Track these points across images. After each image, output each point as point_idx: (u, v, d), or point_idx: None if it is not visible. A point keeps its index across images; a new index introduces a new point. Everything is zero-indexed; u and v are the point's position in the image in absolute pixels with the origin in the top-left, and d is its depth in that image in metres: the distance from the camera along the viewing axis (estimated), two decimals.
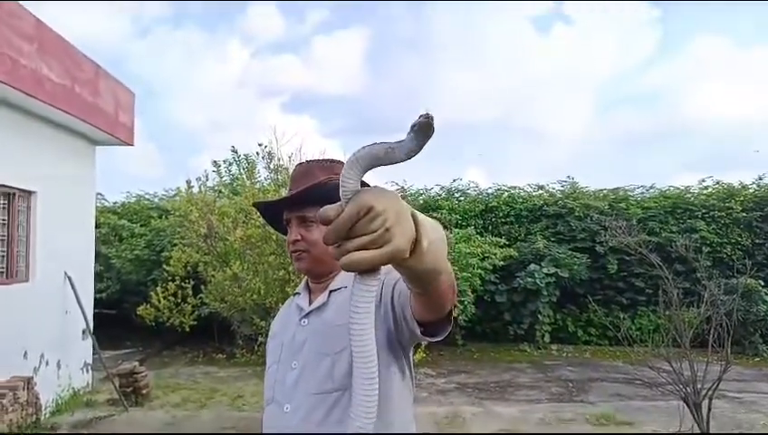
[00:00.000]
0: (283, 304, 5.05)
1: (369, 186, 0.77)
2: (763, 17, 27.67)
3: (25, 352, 6.51)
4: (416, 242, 0.73)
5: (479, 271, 9.45)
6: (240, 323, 5.58)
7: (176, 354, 9.89)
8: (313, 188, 1.36)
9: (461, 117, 26.61)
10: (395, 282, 1.21)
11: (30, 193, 6.80)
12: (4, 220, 6.45)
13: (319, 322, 1.35)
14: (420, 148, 0.72)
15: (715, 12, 28.00)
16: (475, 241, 9.83)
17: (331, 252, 0.71)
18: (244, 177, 10.38)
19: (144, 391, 7.20)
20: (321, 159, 1.51)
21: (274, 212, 1.50)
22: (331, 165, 1.45)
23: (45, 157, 7.03)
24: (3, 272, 6.44)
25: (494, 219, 11.71)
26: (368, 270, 0.70)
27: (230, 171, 11.01)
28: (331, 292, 1.38)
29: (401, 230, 0.70)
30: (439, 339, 1.12)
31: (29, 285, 6.73)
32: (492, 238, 10.41)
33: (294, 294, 1.52)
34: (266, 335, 5.22)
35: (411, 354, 1.33)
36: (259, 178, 9.62)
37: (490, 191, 12.30)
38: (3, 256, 6.44)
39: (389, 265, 0.75)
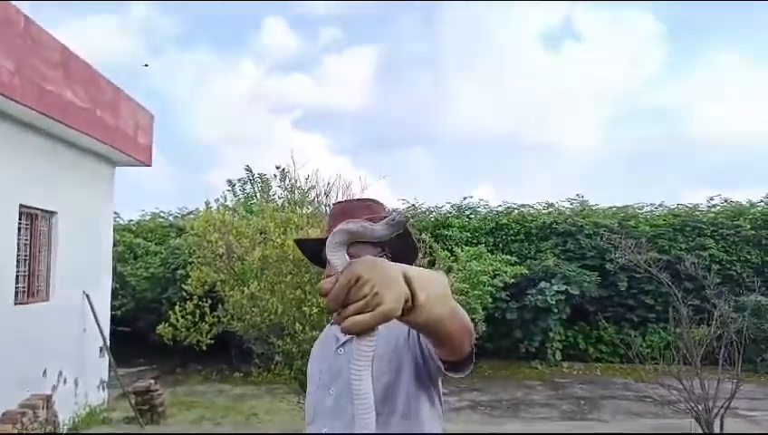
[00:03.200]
0: (299, 323, 5.12)
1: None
2: None
3: (45, 371, 6.64)
4: (413, 298, 0.82)
5: (489, 288, 9.51)
6: (255, 341, 5.69)
7: (190, 372, 9.99)
8: None
9: (471, 133, 26.79)
10: None
11: (51, 214, 6.97)
12: (26, 240, 6.61)
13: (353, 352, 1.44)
14: (389, 236, 0.90)
15: (720, 29, 28.19)
16: (485, 259, 9.91)
17: (335, 318, 0.81)
18: (259, 195, 10.58)
19: (160, 409, 7.29)
20: (359, 198, 1.62)
21: (314, 248, 1.61)
22: (369, 204, 1.57)
23: (67, 178, 7.22)
24: (24, 291, 6.58)
25: (504, 237, 11.79)
26: (365, 331, 0.80)
27: (244, 190, 11.22)
28: None
29: (389, 292, 0.79)
30: (462, 375, 1.23)
31: (49, 305, 6.88)
32: (502, 256, 10.49)
33: (331, 324, 1.60)
34: (282, 354, 5.27)
35: (440, 385, 1.44)
36: (273, 197, 9.80)
37: (500, 209, 12.40)
38: (24, 276, 6.59)
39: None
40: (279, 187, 7.83)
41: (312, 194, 6.56)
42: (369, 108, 27.96)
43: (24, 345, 6.18)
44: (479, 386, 9.09)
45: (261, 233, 5.42)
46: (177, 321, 5.83)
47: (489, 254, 10.40)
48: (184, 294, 6.10)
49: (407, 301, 0.82)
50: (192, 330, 5.86)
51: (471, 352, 1.17)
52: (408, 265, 0.87)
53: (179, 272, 9.67)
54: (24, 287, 6.57)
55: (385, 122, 28.14)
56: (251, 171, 11.31)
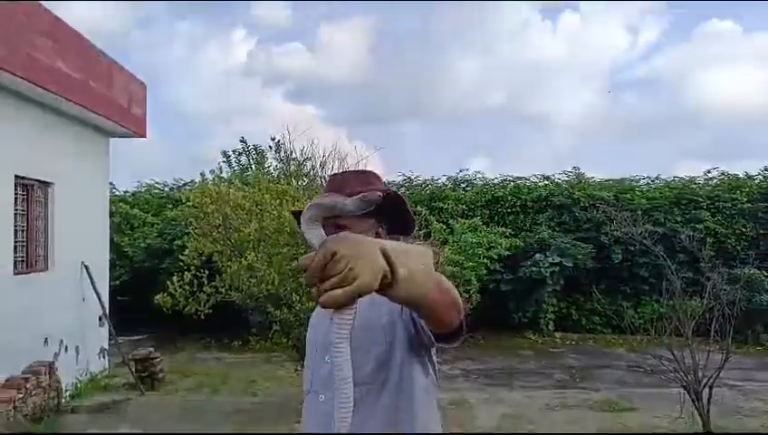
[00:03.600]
0: (296, 293, 5.17)
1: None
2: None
3: (46, 339, 6.73)
4: (392, 273, 0.83)
5: (484, 260, 9.59)
6: (253, 310, 5.76)
7: (189, 341, 10.13)
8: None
9: (468, 105, 26.58)
10: None
11: (47, 184, 6.97)
12: (23, 211, 6.62)
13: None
14: (361, 211, 0.98)
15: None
16: (481, 231, 9.96)
17: (314, 293, 0.83)
18: (254, 167, 10.56)
19: (159, 376, 7.43)
20: (356, 170, 1.63)
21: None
22: (366, 176, 1.57)
23: (61, 149, 7.19)
24: (23, 261, 6.63)
25: (499, 209, 11.82)
26: (342, 305, 0.82)
27: (239, 161, 11.19)
28: None
29: (366, 267, 0.80)
30: (452, 346, 1.28)
31: (48, 274, 6.93)
32: (497, 228, 10.54)
33: None
34: (280, 323, 5.35)
35: (434, 355, 1.47)
36: (269, 169, 9.78)
37: (496, 181, 12.40)
38: (23, 246, 6.62)
39: None
40: (274, 158, 7.84)
41: (308, 165, 6.56)
42: (364, 80, 27.66)
43: (24, 314, 6.25)
44: (472, 355, 9.24)
45: (257, 205, 5.43)
46: (176, 291, 5.89)
47: (484, 226, 10.45)
48: (181, 264, 6.14)
49: (385, 276, 0.83)
50: (190, 299, 5.92)
51: (461, 325, 1.19)
52: (389, 241, 0.89)
53: (176, 243, 9.70)
54: (22, 257, 6.61)
55: (381, 94, 27.86)
56: (246, 143, 11.26)
